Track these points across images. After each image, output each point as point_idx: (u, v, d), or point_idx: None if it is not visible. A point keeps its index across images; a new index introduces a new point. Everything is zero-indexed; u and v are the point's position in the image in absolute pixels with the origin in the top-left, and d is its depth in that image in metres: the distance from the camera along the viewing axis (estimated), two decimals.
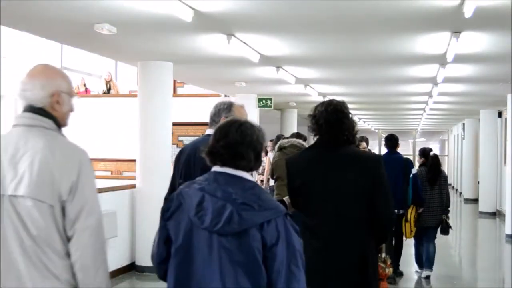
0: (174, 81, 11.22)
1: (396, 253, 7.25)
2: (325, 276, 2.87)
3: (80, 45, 7.26)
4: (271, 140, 10.87)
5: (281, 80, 9.15)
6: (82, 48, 7.44)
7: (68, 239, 2.17)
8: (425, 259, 7.55)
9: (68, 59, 14.04)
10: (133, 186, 7.76)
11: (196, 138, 4.10)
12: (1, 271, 2.16)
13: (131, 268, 7.65)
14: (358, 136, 3.30)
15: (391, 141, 7.41)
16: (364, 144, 6.94)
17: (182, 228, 2.13)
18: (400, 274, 7.43)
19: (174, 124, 8.72)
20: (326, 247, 2.87)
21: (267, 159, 10.10)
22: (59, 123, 2.33)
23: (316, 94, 11.55)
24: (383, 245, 3.51)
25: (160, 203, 2.46)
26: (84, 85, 13.47)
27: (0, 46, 10.82)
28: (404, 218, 7.11)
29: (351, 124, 2.99)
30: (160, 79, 7.74)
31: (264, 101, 12.01)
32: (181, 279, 2.13)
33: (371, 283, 2.93)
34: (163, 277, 2.25)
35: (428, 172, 7.37)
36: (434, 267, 7.91)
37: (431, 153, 7.72)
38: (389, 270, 3.58)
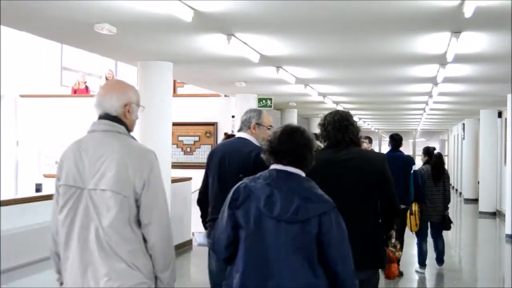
0: (174, 81, 11.22)
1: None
2: None
3: (80, 45, 7.25)
4: None
5: (281, 80, 9.15)
6: (82, 48, 7.43)
7: (140, 226, 2.57)
8: (436, 255, 7.89)
9: (68, 59, 14.05)
10: None
11: (227, 140, 4.66)
12: (79, 253, 2.56)
13: None
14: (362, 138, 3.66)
15: (395, 140, 7.69)
16: (365, 144, 7.13)
17: (251, 216, 2.53)
18: (400, 274, 7.46)
19: (174, 124, 8.73)
20: None
21: None
22: (129, 129, 2.75)
23: (316, 94, 11.55)
24: (393, 232, 3.84)
25: None
26: (85, 82, 13.43)
27: (0, 46, 10.83)
28: (408, 212, 7.36)
29: (355, 129, 3.42)
30: (160, 79, 7.73)
31: (264, 101, 12.01)
32: (251, 260, 2.53)
33: (381, 264, 3.44)
34: (227, 259, 2.64)
35: (432, 170, 7.69)
36: (434, 267, 7.96)
37: (435, 151, 8.04)
38: (399, 253, 3.95)
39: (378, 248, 3.37)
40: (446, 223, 7.71)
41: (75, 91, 13.18)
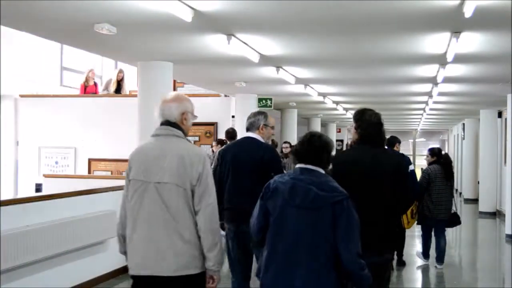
0: (174, 81, 11.21)
1: (399, 244, 7.57)
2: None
3: (80, 45, 7.25)
4: (285, 142, 11.65)
5: (281, 80, 9.15)
6: (82, 48, 7.43)
7: (195, 213, 3.13)
8: (437, 254, 8.10)
9: (68, 59, 14.04)
10: None
11: (237, 139, 5.48)
12: (144, 236, 3.13)
13: None
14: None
15: (389, 140, 8.00)
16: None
17: (278, 205, 3.12)
18: (403, 264, 8.01)
19: None
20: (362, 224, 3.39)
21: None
22: (185, 133, 3.29)
23: (316, 94, 11.56)
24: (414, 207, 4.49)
25: None
26: (93, 78, 13.32)
27: (0, 46, 10.82)
28: None
29: (384, 132, 3.98)
30: (160, 79, 7.73)
31: (264, 101, 12.01)
32: (276, 242, 3.09)
33: (395, 248, 4.01)
34: (260, 241, 3.23)
35: (443, 170, 7.95)
36: (434, 267, 7.99)
37: (443, 152, 8.35)
38: (410, 224, 4.56)
39: (392, 235, 3.82)
40: (457, 219, 8.01)
41: (84, 88, 13.06)
